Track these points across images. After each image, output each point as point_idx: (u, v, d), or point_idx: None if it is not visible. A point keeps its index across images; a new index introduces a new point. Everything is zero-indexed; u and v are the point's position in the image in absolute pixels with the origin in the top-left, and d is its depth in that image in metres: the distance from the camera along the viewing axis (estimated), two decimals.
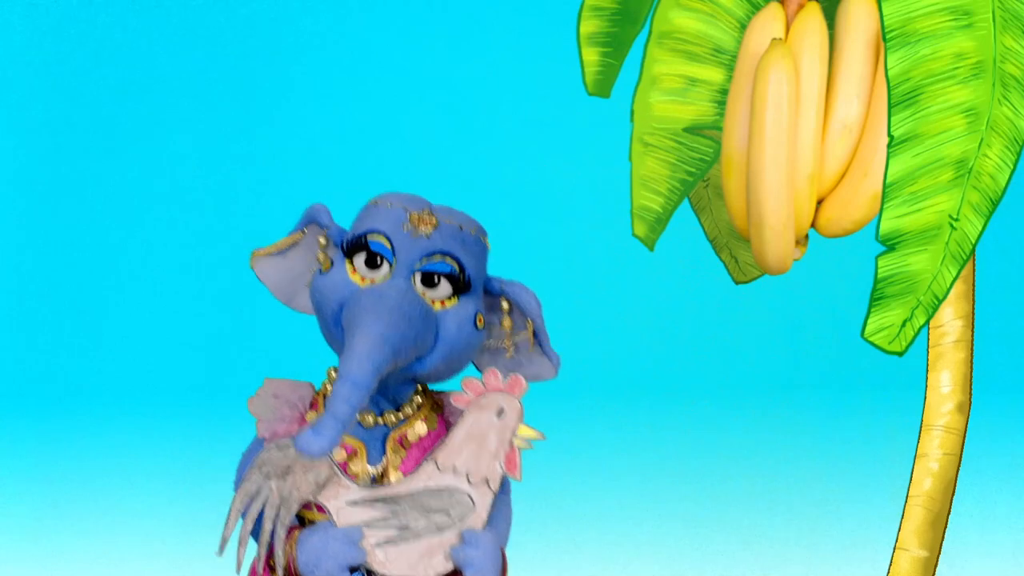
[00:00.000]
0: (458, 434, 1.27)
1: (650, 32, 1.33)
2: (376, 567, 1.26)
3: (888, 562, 1.36)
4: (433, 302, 1.28)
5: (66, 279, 3.70)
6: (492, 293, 1.35)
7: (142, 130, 3.81)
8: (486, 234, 1.36)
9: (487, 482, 1.27)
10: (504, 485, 1.34)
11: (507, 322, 1.35)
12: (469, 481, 1.27)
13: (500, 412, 1.27)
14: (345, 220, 1.35)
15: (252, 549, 1.29)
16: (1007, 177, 1.17)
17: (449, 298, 1.29)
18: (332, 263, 1.30)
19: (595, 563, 2.33)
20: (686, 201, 1.40)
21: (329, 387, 1.34)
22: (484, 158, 3.75)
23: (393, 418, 1.31)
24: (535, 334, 1.36)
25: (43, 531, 2.48)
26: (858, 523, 2.48)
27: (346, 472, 1.28)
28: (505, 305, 1.35)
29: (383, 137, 3.79)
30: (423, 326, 1.26)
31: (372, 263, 1.28)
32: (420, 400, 1.34)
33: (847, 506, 2.60)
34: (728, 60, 1.31)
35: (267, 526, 1.25)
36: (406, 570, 1.26)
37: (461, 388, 1.29)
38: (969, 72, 1.15)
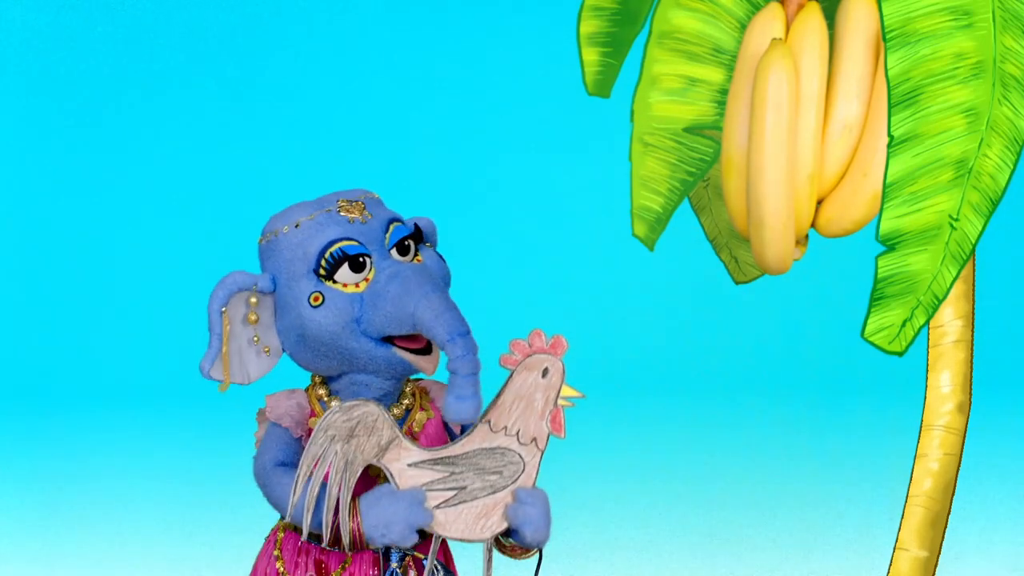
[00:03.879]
0: (508, 394, 1.29)
1: (650, 32, 1.33)
2: (437, 529, 1.28)
3: (888, 562, 1.36)
4: (413, 261, 1.31)
5: (66, 279, 3.70)
6: None
7: (142, 130, 3.81)
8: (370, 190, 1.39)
9: (535, 441, 1.30)
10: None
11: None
12: (520, 441, 1.29)
13: (545, 372, 1.30)
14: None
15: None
16: (1007, 177, 1.17)
17: (417, 253, 1.32)
18: (321, 295, 1.29)
19: (595, 563, 2.33)
20: (686, 201, 1.40)
21: (323, 391, 1.35)
22: (484, 158, 3.75)
23: (397, 411, 1.33)
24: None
25: (43, 531, 2.48)
26: (858, 523, 2.48)
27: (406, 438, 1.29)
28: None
29: (383, 137, 3.80)
30: (437, 275, 1.31)
31: (356, 266, 1.28)
32: (412, 387, 1.36)
33: (847, 506, 2.60)
34: (728, 60, 1.31)
35: (332, 490, 1.26)
36: (464, 531, 1.28)
37: (508, 350, 1.30)
38: (969, 72, 1.15)
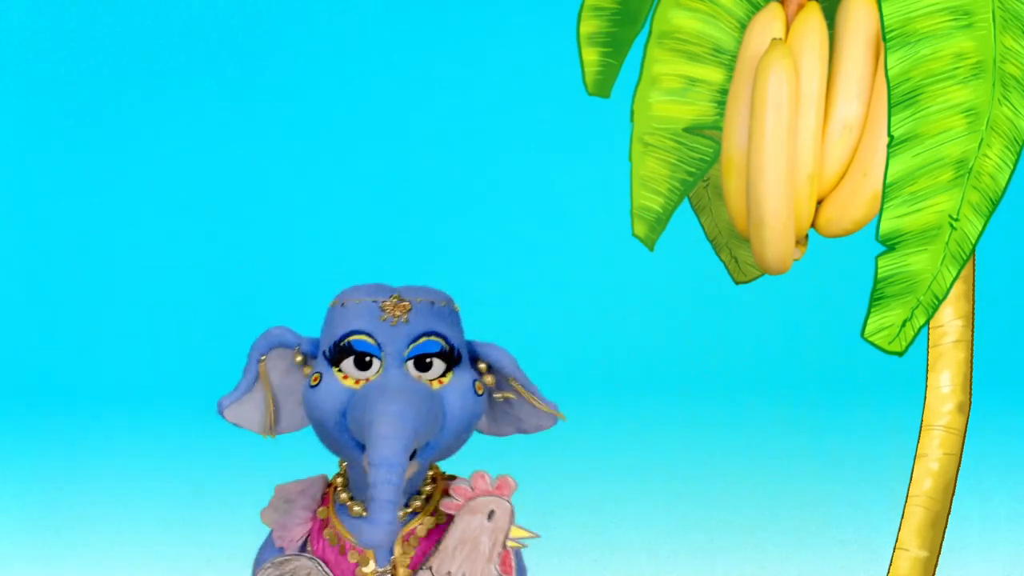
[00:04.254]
0: (451, 539, 1.27)
1: (650, 32, 1.33)
2: None
3: (888, 562, 1.36)
4: (431, 383, 1.28)
5: (66, 278, 3.70)
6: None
7: (142, 130, 3.81)
8: (453, 300, 1.35)
9: None
10: None
11: (489, 379, 1.34)
12: None
13: (491, 515, 1.28)
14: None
15: None
16: (1007, 177, 1.17)
17: (444, 375, 1.28)
18: (320, 376, 1.28)
19: (594, 563, 2.32)
20: (686, 201, 1.40)
21: (339, 480, 1.35)
22: (484, 158, 3.75)
23: (402, 514, 1.30)
24: (525, 387, 1.35)
25: (43, 531, 2.48)
26: (858, 523, 2.48)
27: (355, 574, 1.27)
28: (483, 366, 1.34)
29: (382, 137, 3.79)
30: (433, 404, 1.26)
31: (361, 364, 1.27)
32: (429, 490, 1.34)
33: (847, 506, 2.60)
34: (728, 60, 1.31)
35: None
36: None
37: (450, 495, 1.29)
38: (969, 72, 1.15)
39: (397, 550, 1.30)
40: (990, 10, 1.16)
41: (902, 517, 1.36)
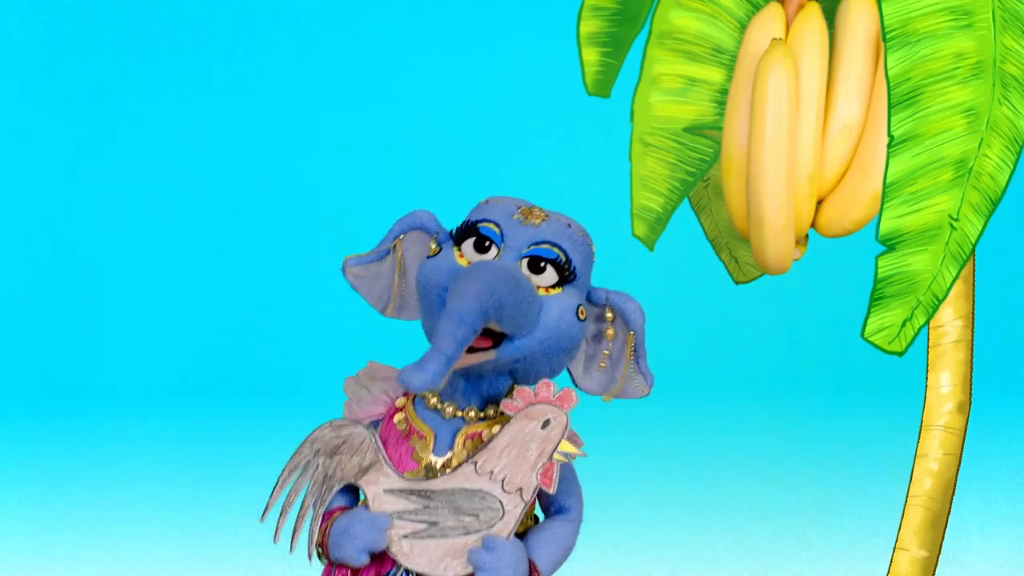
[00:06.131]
0: (501, 440, 1.27)
1: (650, 32, 1.33)
2: (398, 557, 1.27)
3: (888, 562, 1.36)
4: (538, 288, 1.27)
5: (66, 278, 3.70)
6: (595, 303, 1.34)
7: (141, 129, 3.81)
8: (592, 241, 1.35)
9: (520, 492, 1.27)
10: (572, 514, 1.36)
11: (610, 331, 1.34)
12: (504, 488, 1.27)
13: (546, 423, 1.28)
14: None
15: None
16: (1007, 177, 1.17)
17: (554, 286, 1.28)
18: (441, 248, 1.30)
19: (594, 563, 2.32)
20: (686, 201, 1.40)
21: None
22: (484, 158, 3.75)
23: (473, 414, 1.30)
24: (635, 349, 1.35)
25: (43, 531, 2.49)
26: (858, 523, 2.47)
27: (412, 457, 1.28)
28: (609, 315, 1.34)
29: (382, 137, 3.79)
30: (528, 297, 1.25)
31: (480, 247, 1.28)
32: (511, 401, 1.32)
33: (847, 506, 2.60)
34: (728, 60, 1.31)
35: (307, 500, 1.27)
36: (426, 565, 1.27)
37: (512, 396, 1.29)
38: (969, 72, 1.15)
39: (458, 443, 1.30)
40: (990, 10, 1.16)
41: (902, 517, 1.36)
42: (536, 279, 1.27)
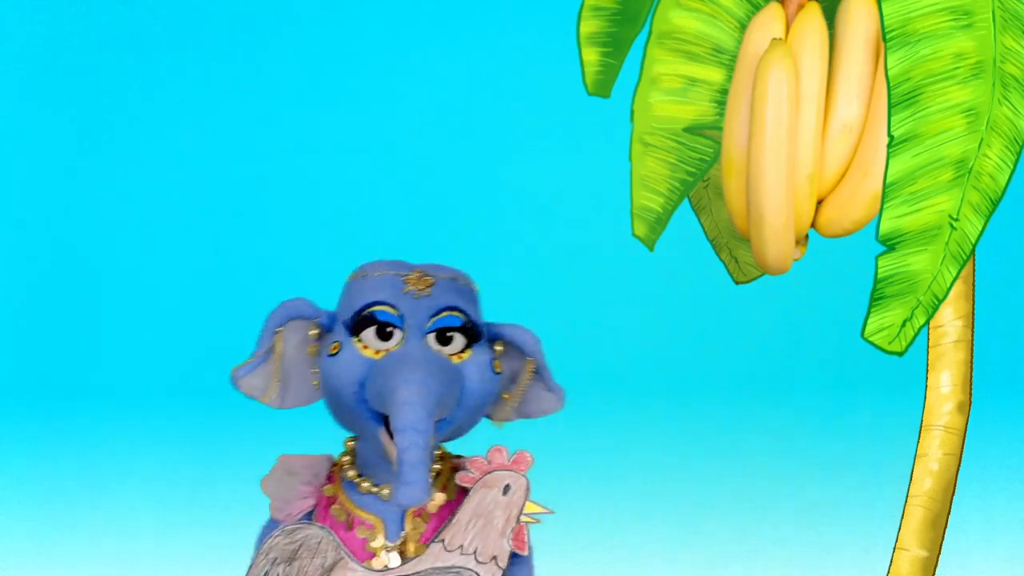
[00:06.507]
0: (465, 513, 1.28)
1: (650, 32, 1.33)
2: None
3: (888, 562, 1.36)
4: (451, 357, 1.28)
5: (66, 279, 3.70)
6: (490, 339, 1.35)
7: (141, 129, 3.81)
8: (472, 280, 1.36)
9: (495, 560, 1.28)
10: (525, 559, 1.34)
11: (498, 366, 1.34)
12: (477, 560, 1.27)
13: (506, 489, 1.28)
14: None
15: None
16: (1007, 177, 1.17)
17: (464, 350, 1.28)
18: (340, 345, 1.28)
19: (594, 563, 2.32)
20: (686, 201, 1.40)
21: (346, 459, 1.34)
22: (484, 158, 3.75)
23: None
24: (537, 371, 1.35)
25: (43, 531, 2.49)
26: (858, 523, 2.47)
27: (364, 548, 1.28)
28: (499, 347, 1.34)
29: (381, 139, 3.79)
30: (455, 378, 1.26)
31: (383, 334, 1.27)
32: (438, 467, 1.33)
33: (847, 506, 2.60)
34: (728, 60, 1.31)
35: None
36: None
37: (466, 468, 1.29)
38: (969, 72, 1.15)
39: (408, 525, 1.30)
40: (990, 10, 1.16)
41: (902, 517, 1.36)
42: (446, 350, 1.28)
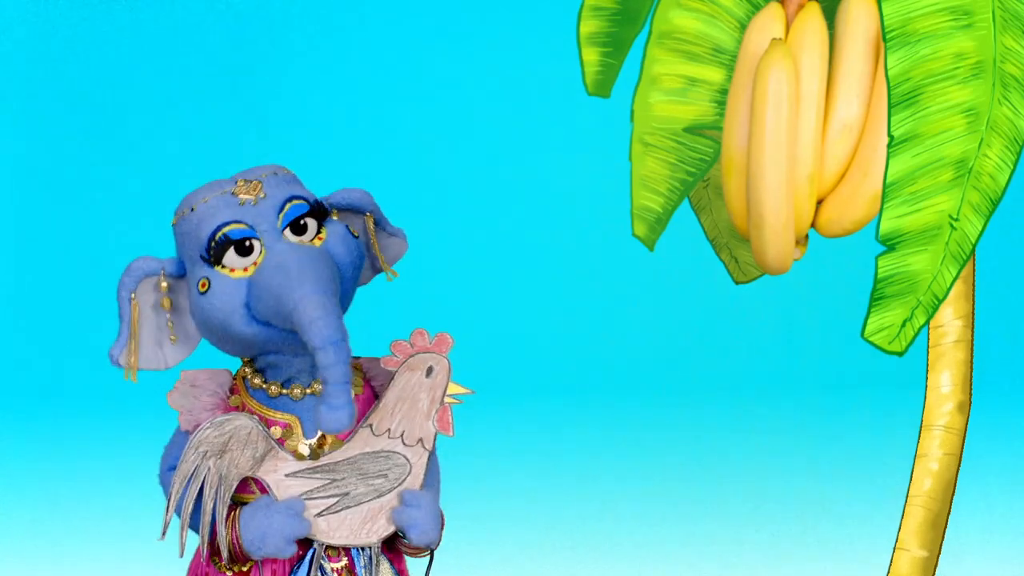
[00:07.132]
0: (390, 397, 1.28)
1: (650, 32, 1.33)
2: (318, 536, 1.27)
3: (888, 562, 1.36)
4: (311, 243, 1.28)
5: (66, 278, 3.70)
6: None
7: (141, 129, 3.81)
8: (286, 166, 1.36)
9: (421, 442, 1.29)
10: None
11: (353, 231, 1.35)
12: (404, 443, 1.28)
13: (430, 371, 1.29)
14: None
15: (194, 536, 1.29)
16: (1007, 177, 1.17)
17: (319, 231, 1.29)
18: (208, 280, 1.27)
19: (594, 563, 2.32)
20: (686, 201, 1.40)
21: (247, 369, 1.34)
22: (484, 158, 3.75)
23: (320, 387, 1.28)
24: (377, 223, 1.37)
25: (43, 531, 2.48)
26: (858, 523, 2.48)
27: (283, 448, 1.28)
28: (336, 216, 1.34)
29: (381, 137, 3.79)
30: (327, 261, 1.26)
31: (243, 250, 1.26)
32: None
33: (847, 506, 2.60)
34: (728, 60, 1.31)
35: (207, 506, 1.26)
36: (349, 537, 1.27)
37: (390, 351, 1.29)
38: (969, 72, 1.15)
39: None
40: (990, 10, 1.16)
41: (902, 517, 1.36)
42: (305, 238, 1.28)
